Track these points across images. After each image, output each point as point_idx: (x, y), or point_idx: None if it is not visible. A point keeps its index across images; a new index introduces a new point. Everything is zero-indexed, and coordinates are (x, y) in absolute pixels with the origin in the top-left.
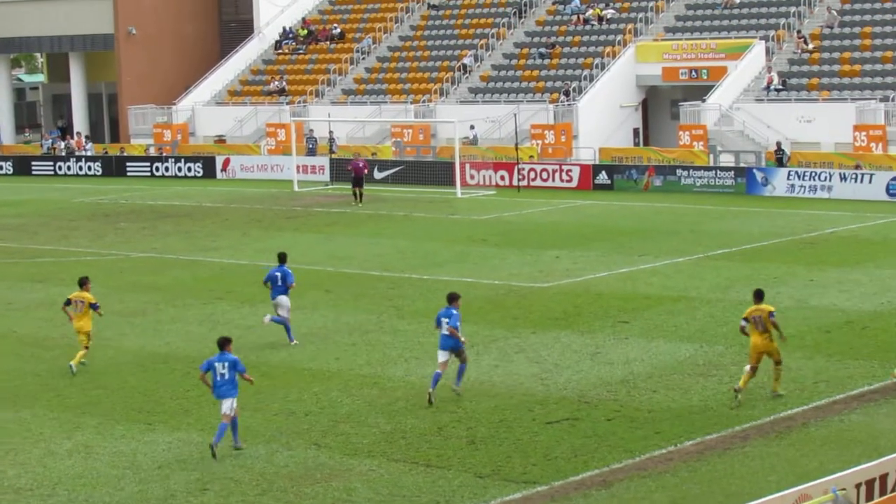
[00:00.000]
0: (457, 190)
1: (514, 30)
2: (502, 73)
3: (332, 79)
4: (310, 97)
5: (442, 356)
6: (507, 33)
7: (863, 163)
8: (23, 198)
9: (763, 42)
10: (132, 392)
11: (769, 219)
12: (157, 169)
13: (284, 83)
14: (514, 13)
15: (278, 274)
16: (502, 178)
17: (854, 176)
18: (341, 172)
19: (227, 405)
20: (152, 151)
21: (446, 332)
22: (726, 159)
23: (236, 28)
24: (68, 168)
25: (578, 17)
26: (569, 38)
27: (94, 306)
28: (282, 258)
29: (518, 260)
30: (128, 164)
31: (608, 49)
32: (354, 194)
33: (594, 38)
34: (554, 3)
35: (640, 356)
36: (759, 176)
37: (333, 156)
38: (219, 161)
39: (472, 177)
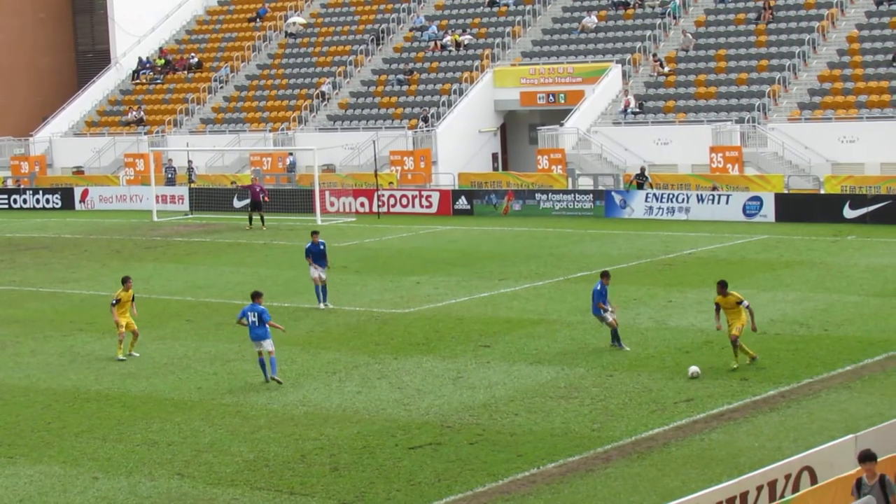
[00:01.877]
0: (317, 217)
1: (372, 56)
2: (361, 100)
3: (190, 108)
4: (168, 127)
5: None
6: (364, 60)
7: (719, 184)
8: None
9: (619, 66)
10: None
11: (628, 241)
12: (15, 201)
13: (142, 113)
14: (372, 40)
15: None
16: (362, 204)
17: (711, 197)
18: (200, 201)
19: (268, 344)
20: (10, 184)
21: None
22: (585, 182)
23: (93, 58)
24: None
25: (436, 44)
26: (427, 65)
27: None
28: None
29: (379, 286)
30: None
31: (466, 74)
32: (250, 219)
33: (452, 63)
34: (411, 30)
35: (501, 380)
36: (617, 199)
37: (192, 185)
38: (77, 192)
39: (332, 204)
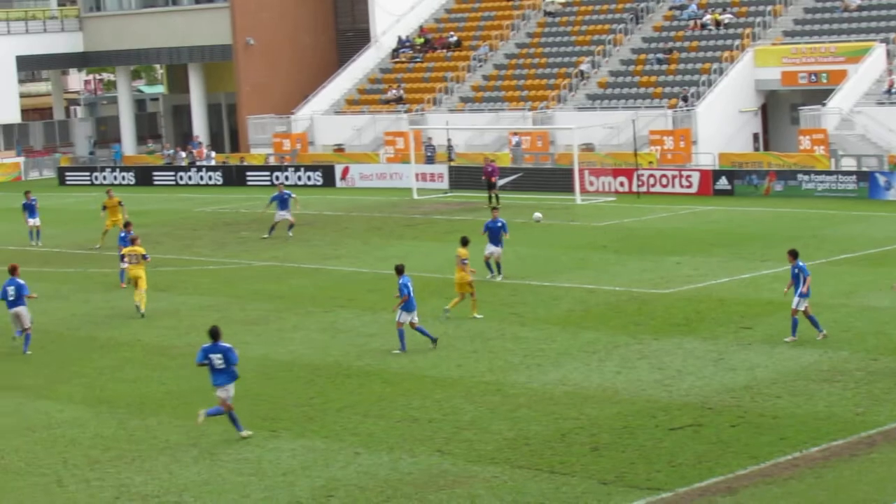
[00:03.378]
0: (576, 196)
1: (631, 35)
2: (620, 79)
3: (449, 87)
4: (427, 105)
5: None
6: (624, 39)
7: None
8: (145, 208)
9: (884, 45)
10: (256, 399)
11: (893, 223)
12: (278, 178)
13: (402, 91)
14: (631, 19)
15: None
16: (622, 184)
17: None
18: (460, 179)
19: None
20: (272, 161)
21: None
22: (848, 163)
23: (353, 37)
24: (189, 178)
25: (696, 22)
26: (686, 44)
27: (144, 257)
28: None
29: (639, 266)
30: (248, 173)
31: (726, 54)
32: (489, 198)
33: (712, 42)
34: (671, 9)
35: (763, 362)
36: (881, 180)
37: (452, 163)
38: (338, 170)
39: (591, 183)
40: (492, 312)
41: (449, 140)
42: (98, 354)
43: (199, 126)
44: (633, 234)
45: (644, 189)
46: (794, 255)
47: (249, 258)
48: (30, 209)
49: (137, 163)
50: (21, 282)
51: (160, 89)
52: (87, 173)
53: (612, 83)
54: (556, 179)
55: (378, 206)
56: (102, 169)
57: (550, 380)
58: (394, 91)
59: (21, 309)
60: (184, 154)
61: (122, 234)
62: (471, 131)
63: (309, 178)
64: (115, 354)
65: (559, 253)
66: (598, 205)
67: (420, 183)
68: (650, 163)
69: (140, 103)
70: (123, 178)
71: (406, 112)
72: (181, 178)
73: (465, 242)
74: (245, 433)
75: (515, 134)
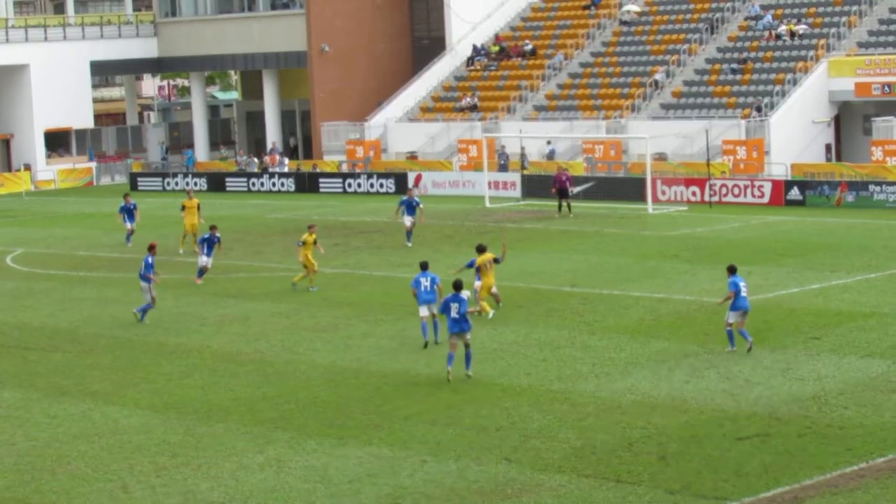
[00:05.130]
0: (648, 206)
1: (706, 45)
2: (694, 88)
3: (523, 95)
4: (501, 113)
5: (455, 341)
6: (698, 49)
7: None
8: (217, 214)
9: None
10: (324, 407)
11: None
12: (350, 185)
13: (476, 99)
14: (706, 29)
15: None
16: (694, 193)
17: None
18: (532, 188)
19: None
20: (345, 168)
21: (456, 317)
22: None
23: (428, 45)
24: (261, 184)
25: (770, 33)
26: (761, 54)
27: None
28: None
29: (709, 275)
30: (320, 180)
31: (800, 64)
32: (559, 206)
33: (786, 53)
34: (746, 19)
35: (831, 372)
36: None
37: (525, 172)
38: (411, 177)
39: (663, 192)
40: (562, 321)
41: (522, 148)
42: (166, 360)
43: (273, 133)
44: (704, 244)
45: (716, 199)
46: (731, 270)
47: (321, 265)
48: (128, 213)
49: (210, 169)
50: (149, 261)
51: (234, 95)
52: (160, 179)
53: (685, 93)
54: (628, 188)
55: (450, 213)
56: (175, 175)
57: (619, 389)
58: (468, 99)
59: (144, 285)
60: (256, 161)
61: (207, 237)
62: (544, 140)
63: (381, 185)
64: (184, 361)
65: (630, 262)
66: (670, 214)
67: (493, 191)
68: (722, 172)
69: (213, 109)
70: (196, 183)
71: (480, 120)
72: (253, 184)
73: (481, 250)
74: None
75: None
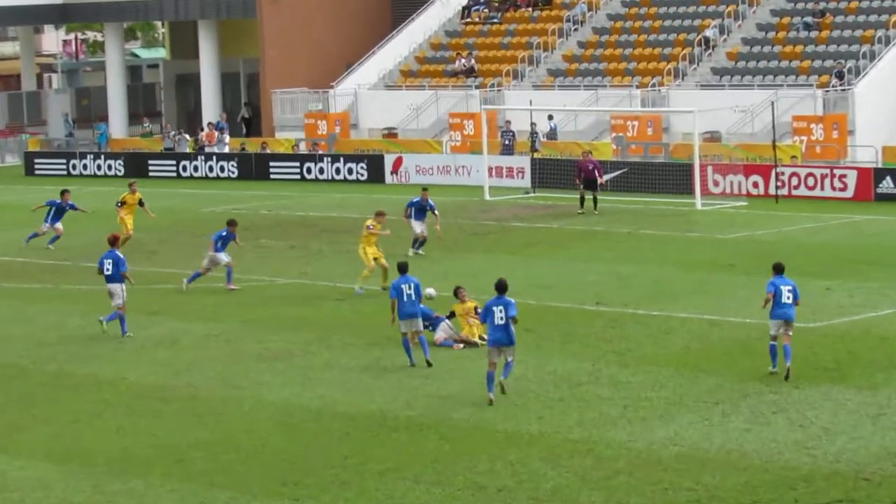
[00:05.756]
0: (696, 200)
1: None
2: (755, 49)
3: (535, 56)
4: (506, 79)
5: (494, 354)
6: None
7: None
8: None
9: None
10: (274, 458)
11: None
12: (310, 170)
13: (473, 61)
14: None
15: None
16: (755, 184)
17: None
18: (546, 176)
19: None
20: (303, 148)
21: (500, 324)
22: None
23: None
24: (195, 168)
25: None
26: (842, 5)
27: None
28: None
29: None
30: (271, 163)
31: (894, 18)
32: (581, 200)
33: (876, 4)
34: None
35: None
36: None
37: (536, 155)
38: (388, 161)
39: (715, 183)
40: (584, 349)
41: (533, 125)
42: (70, 396)
43: (210, 102)
44: (768, 250)
45: (784, 192)
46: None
47: (271, 274)
48: (58, 211)
49: (129, 148)
50: (120, 256)
51: (161, 53)
52: (63, 161)
53: (745, 54)
54: (670, 178)
55: (440, 208)
56: (83, 155)
57: (658, 438)
58: (463, 60)
59: (115, 286)
60: (189, 138)
61: (224, 233)
62: (562, 114)
63: (350, 171)
64: (93, 396)
65: (672, 273)
66: (724, 211)
67: (494, 180)
68: (793, 158)
69: (134, 71)
70: (110, 167)
71: (478, 88)
72: (184, 168)
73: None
74: None
75: (551, 117)
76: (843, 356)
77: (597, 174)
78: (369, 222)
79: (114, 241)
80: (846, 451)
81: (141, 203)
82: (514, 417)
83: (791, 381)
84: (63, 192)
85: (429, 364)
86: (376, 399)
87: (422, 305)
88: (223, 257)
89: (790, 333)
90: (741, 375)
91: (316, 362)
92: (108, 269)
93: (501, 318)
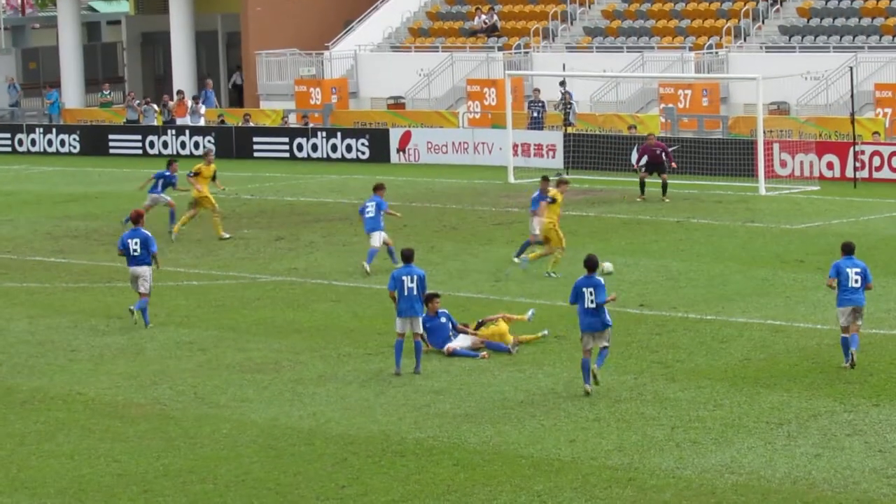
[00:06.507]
0: (759, 184)
1: None
2: (831, 4)
3: (569, 12)
4: (534, 40)
5: (588, 340)
6: None
7: None
8: (95, 190)
9: None
10: (258, 487)
11: None
12: (300, 147)
13: (495, 17)
14: None
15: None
16: (830, 165)
17: None
18: (581, 155)
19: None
20: (293, 120)
21: (592, 307)
22: None
23: None
24: (164, 144)
25: None
26: None
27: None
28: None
29: None
30: (255, 138)
31: None
32: (642, 185)
33: None
34: None
35: None
36: None
37: (570, 129)
38: (394, 136)
39: (783, 163)
40: (625, 360)
41: (567, 94)
42: (15, 415)
43: (182, 66)
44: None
45: (864, 174)
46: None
47: (254, 270)
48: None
49: (85, 120)
50: (148, 234)
51: (124, 8)
52: (7, 135)
53: (819, 10)
54: (728, 157)
55: (454, 192)
56: (31, 129)
57: (712, 465)
58: (483, 17)
59: (144, 269)
60: (157, 108)
61: (377, 199)
62: (601, 81)
63: (349, 147)
64: (43, 415)
65: (730, 270)
66: (793, 197)
67: (520, 159)
68: (875, 134)
69: (92, 28)
70: (63, 142)
71: (501, 49)
72: (151, 144)
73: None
74: None
75: (563, 84)
76: None
77: (666, 160)
78: (552, 192)
79: (137, 219)
80: None
81: (214, 176)
82: (542, 440)
83: (867, 397)
84: (170, 163)
85: (416, 373)
86: (379, 419)
87: (444, 310)
88: (383, 234)
89: (859, 323)
90: (810, 391)
91: (307, 375)
92: (134, 251)
93: (592, 302)
